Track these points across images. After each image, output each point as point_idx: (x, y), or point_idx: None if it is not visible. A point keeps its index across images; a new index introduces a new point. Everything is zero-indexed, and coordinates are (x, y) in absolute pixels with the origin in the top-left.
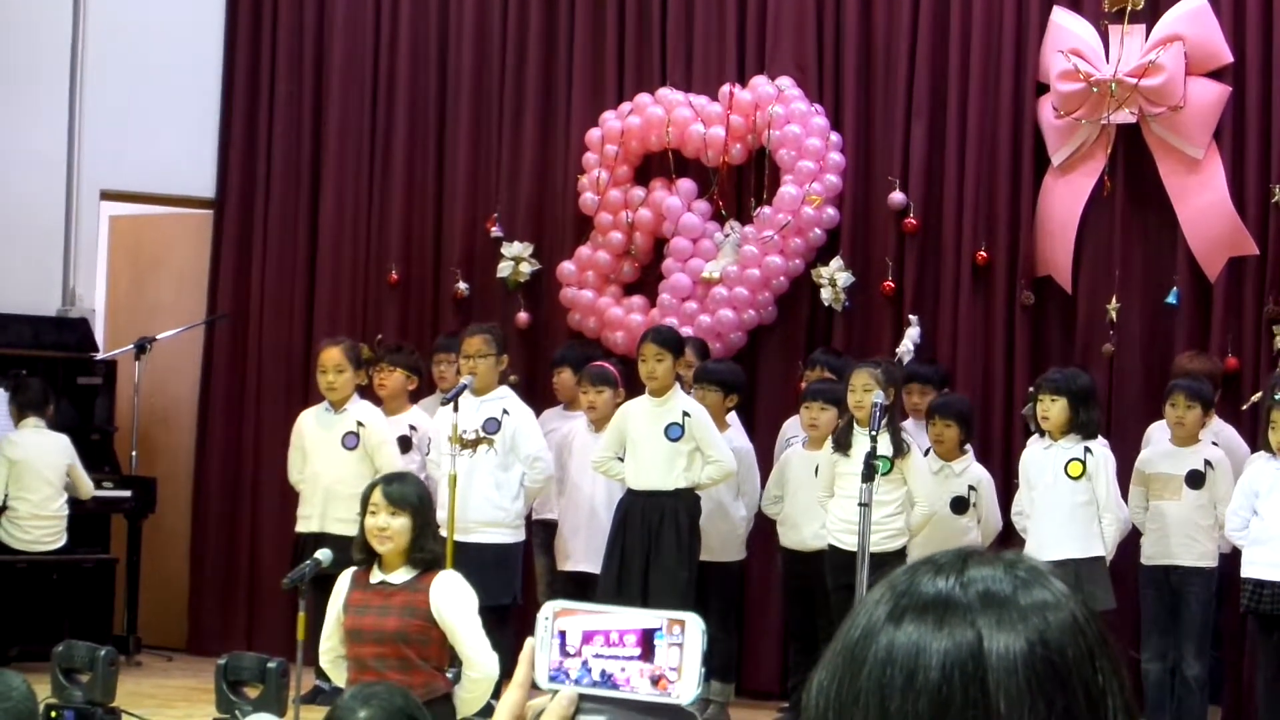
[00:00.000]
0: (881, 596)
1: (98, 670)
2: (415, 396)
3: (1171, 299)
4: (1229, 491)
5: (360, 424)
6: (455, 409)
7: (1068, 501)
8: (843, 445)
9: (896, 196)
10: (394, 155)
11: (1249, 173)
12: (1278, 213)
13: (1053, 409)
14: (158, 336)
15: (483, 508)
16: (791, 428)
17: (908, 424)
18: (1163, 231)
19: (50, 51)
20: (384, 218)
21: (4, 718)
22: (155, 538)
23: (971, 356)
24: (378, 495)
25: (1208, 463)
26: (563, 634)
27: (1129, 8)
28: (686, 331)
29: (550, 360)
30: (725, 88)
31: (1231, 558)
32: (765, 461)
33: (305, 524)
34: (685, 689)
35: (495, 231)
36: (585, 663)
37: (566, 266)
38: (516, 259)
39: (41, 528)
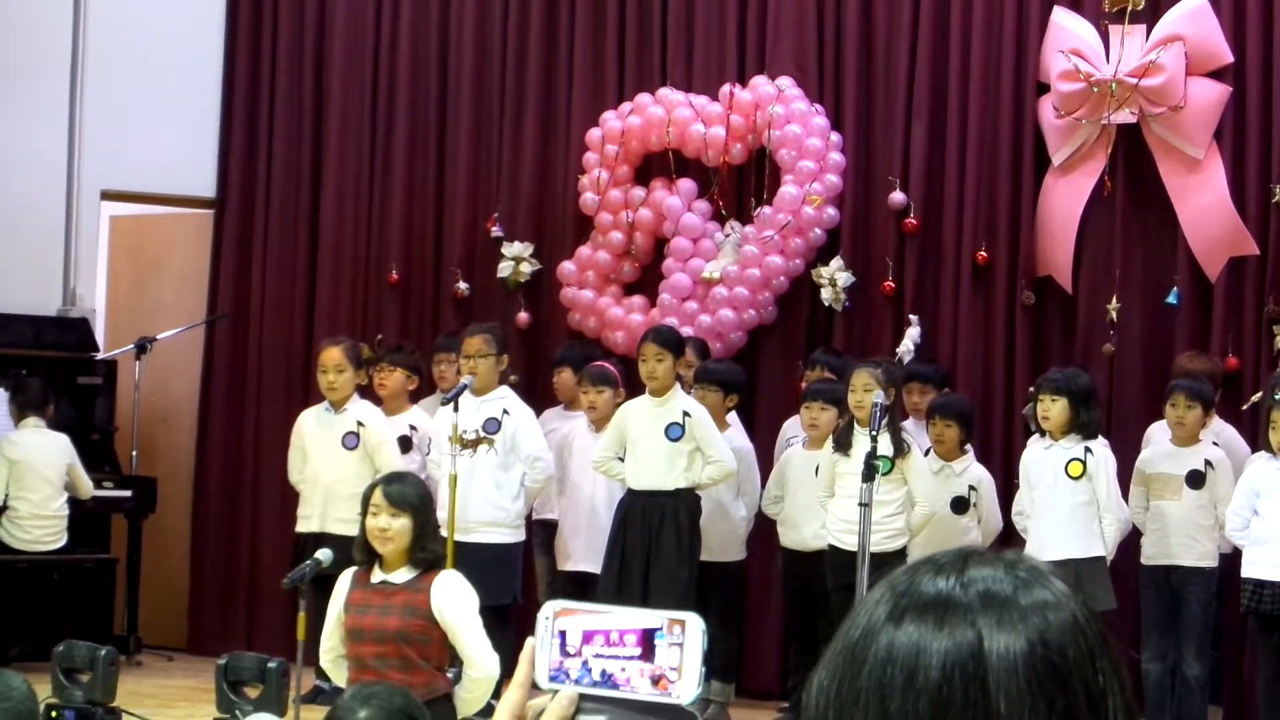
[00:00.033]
0: (882, 596)
1: (98, 670)
2: (415, 396)
3: (1172, 299)
4: (1229, 491)
5: (360, 424)
6: (455, 409)
7: (1068, 501)
8: (843, 445)
9: (897, 196)
10: (394, 155)
11: (1249, 173)
12: (1278, 213)
13: (1053, 409)
14: (158, 336)
15: (483, 508)
16: (792, 428)
17: (908, 424)
18: (1163, 231)
19: (50, 51)
20: (384, 218)
21: (4, 718)
22: (155, 538)
23: (972, 356)
24: (378, 496)
25: (1208, 463)
26: (563, 634)
27: (1129, 8)
28: (687, 331)
29: (550, 360)
30: (725, 88)
31: (1232, 558)
32: (765, 461)
33: (305, 524)
34: (685, 689)
35: (495, 231)
36: (585, 662)
37: (567, 266)
38: (517, 259)
39: (42, 527)
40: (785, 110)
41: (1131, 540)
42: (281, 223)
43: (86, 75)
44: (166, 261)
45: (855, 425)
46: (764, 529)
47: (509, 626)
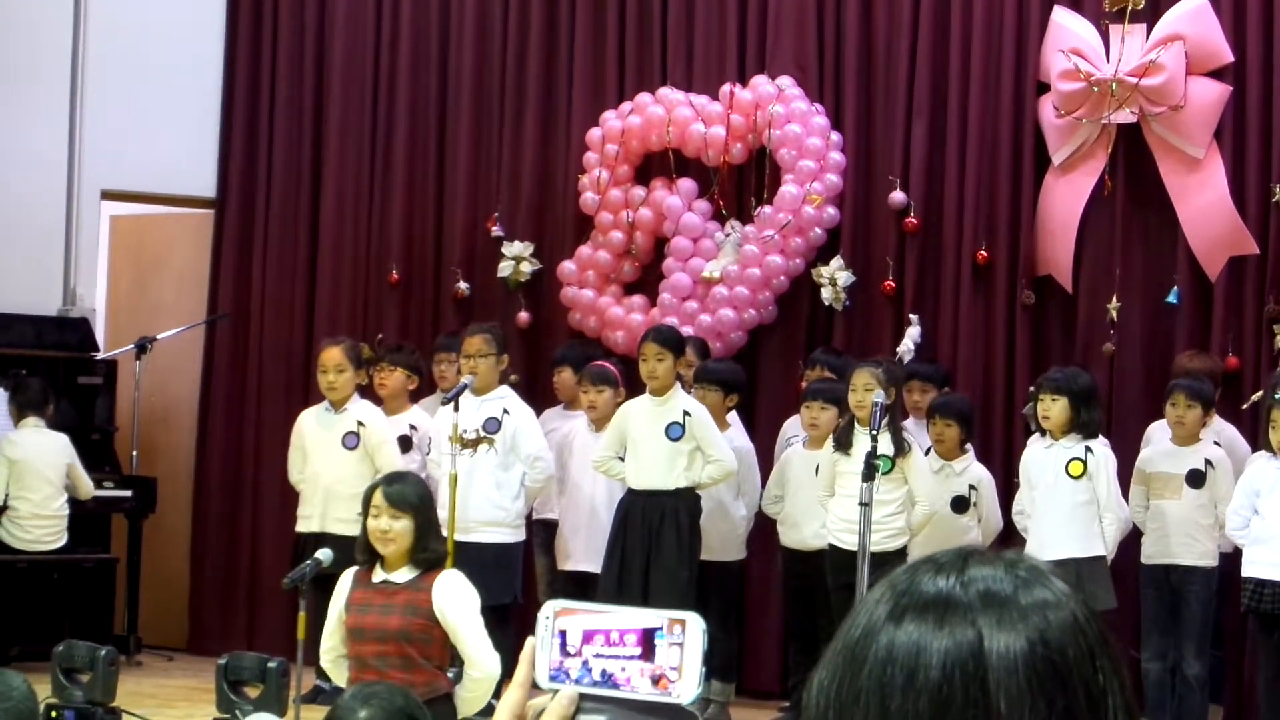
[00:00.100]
0: (882, 596)
1: (98, 670)
2: (416, 396)
3: (1172, 298)
4: (1229, 491)
5: (360, 424)
6: (456, 409)
7: (1068, 501)
8: (844, 444)
9: (897, 196)
10: (395, 155)
11: (1249, 172)
12: (1278, 212)
13: (1054, 408)
14: (158, 336)
15: (483, 507)
16: (792, 427)
17: (908, 423)
18: (1163, 231)
19: (50, 51)
20: (385, 217)
21: (4, 718)
22: (156, 537)
23: (972, 356)
24: (379, 497)
25: (1208, 462)
26: (563, 633)
27: (1129, 7)
28: (687, 331)
29: (551, 360)
30: (726, 87)
31: (1232, 557)
32: (765, 461)
33: (305, 524)
34: (686, 688)
35: (496, 231)
36: (586, 662)
37: (567, 266)
38: (517, 258)
39: (42, 527)
40: (785, 110)
41: (1132, 539)
42: (282, 223)
43: (86, 75)
44: (167, 261)
45: (856, 424)
46: (764, 528)
47: (509, 626)
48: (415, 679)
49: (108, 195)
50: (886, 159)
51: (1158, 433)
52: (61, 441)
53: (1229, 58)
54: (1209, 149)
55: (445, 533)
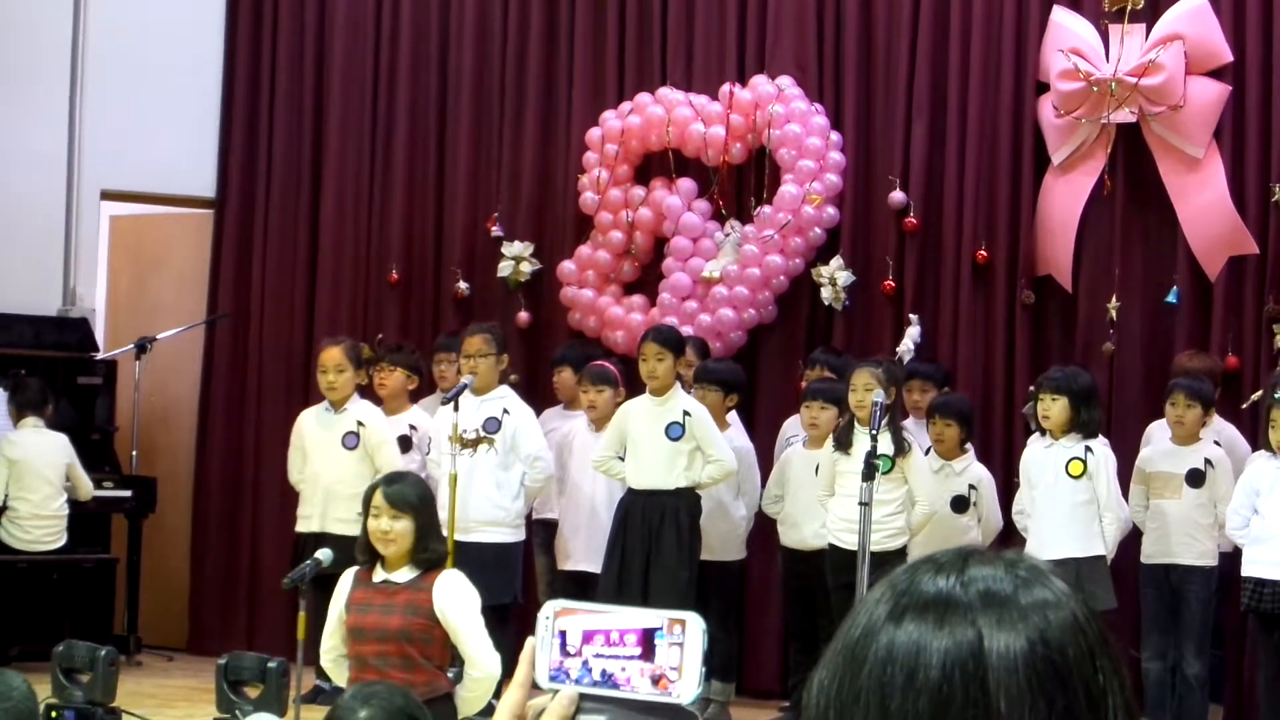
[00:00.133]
0: (882, 595)
1: (98, 670)
2: (416, 396)
3: (1172, 298)
4: (1229, 490)
5: (360, 424)
6: (455, 408)
7: (1068, 501)
8: (844, 444)
9: (897, 195)
10: (394, 155)
11: (1249, 172)
12: (1278, 212)
13: (1054, 408)
14: (158, 336)
15: (483, 507)
16: (792, 427)
17: (908, 423)
18: (1163, 230)
19: (50, 51)
20: (384, 217)
21: (4, 718)
22: (155, 537)
23: (972, 356)
24: (379, 498)
25: (1208, 461)
26: (563, 633)
27: (1129, 7)
28: (687, 331)
29: (551, 360)
30: (725, 87)
31: (1233, 556)
32: (765, 461)
33: (305, 524)
34: (686, 688)
35: (496, 231)
36: (586, 662)
37: (567, 266)
38: (517, 258)
39: (42, 527)
40: (785, 109)
41: (1131, 539)
42: (281, 222)
43: (86, 75)
44: (166, 261)
45: (856, 424)
46: (764, 528)
47: (509, 626)
48: (416, 679)
49: (107, 195)
50: (886, 159)
51: (1157, 432)
52: (61, 442)
53: (1228, 57)
54: (1208, 149)
55: (445, 533)
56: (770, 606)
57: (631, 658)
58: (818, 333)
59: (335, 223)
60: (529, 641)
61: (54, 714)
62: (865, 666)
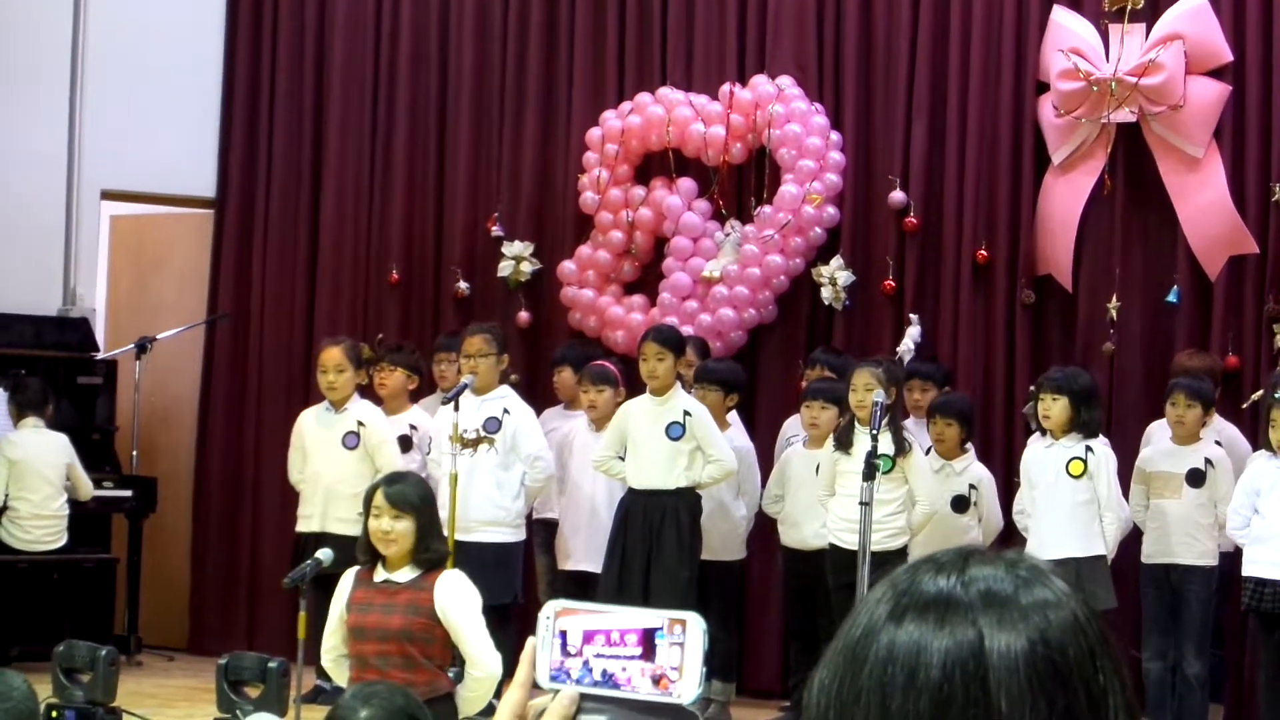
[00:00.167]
0: (883, 595)
1: (98, 670)
2: (416, 396)
3: (1172, 298)
4: (1229, 490)
5: (361, 423)
6: (456, 408)
7: (1069, 500)
8: (844, 444)
9: (897, 195)
10: (395, 155)
11: (1249, 171)
12: (1278, 211)
13: (1054, 408)
14: (158, 336)
15: (483, 507)
16: (792, 427)
17: (909, 422)
18: (1163, 230)
19: (50, 51)
20: (385, 217)
21: (5, 718)
22: (156, 537)
23: (972, 355)
24: (380, 498)
25: (1208, 461)
26: (564, 633)
27: (1129, 6)
28: (687, 330)
29: (551, 359)
30: (725, 87)
31: (1233, 556)
32: (766, 460)
33: (306, 523)
34: (687, 688)
35: (496, 231)
36: (586, 662)
37: (567, 266)
38: (517, 258)
39: (42, 527)
40: (785, 109)
41: (1132, 539)
42: (282, 222)
43: (86, 75)
44: (167, 261)
45: (856, 424)
46: (765, 528)
47: (510, 626)
48: (417, 678)
49: (108, 195)
50: (886, 158)
51: (1158, 432)
52: (61, 441)
53: (1228, 57)
54: (1208, 148)
55: (445, 532)
56: (771, 606)
57: (632, 658)
58: (818, 332)
59: (335, 222)
60: (530, 641)
61: (55, 714)
62: (866, 666)
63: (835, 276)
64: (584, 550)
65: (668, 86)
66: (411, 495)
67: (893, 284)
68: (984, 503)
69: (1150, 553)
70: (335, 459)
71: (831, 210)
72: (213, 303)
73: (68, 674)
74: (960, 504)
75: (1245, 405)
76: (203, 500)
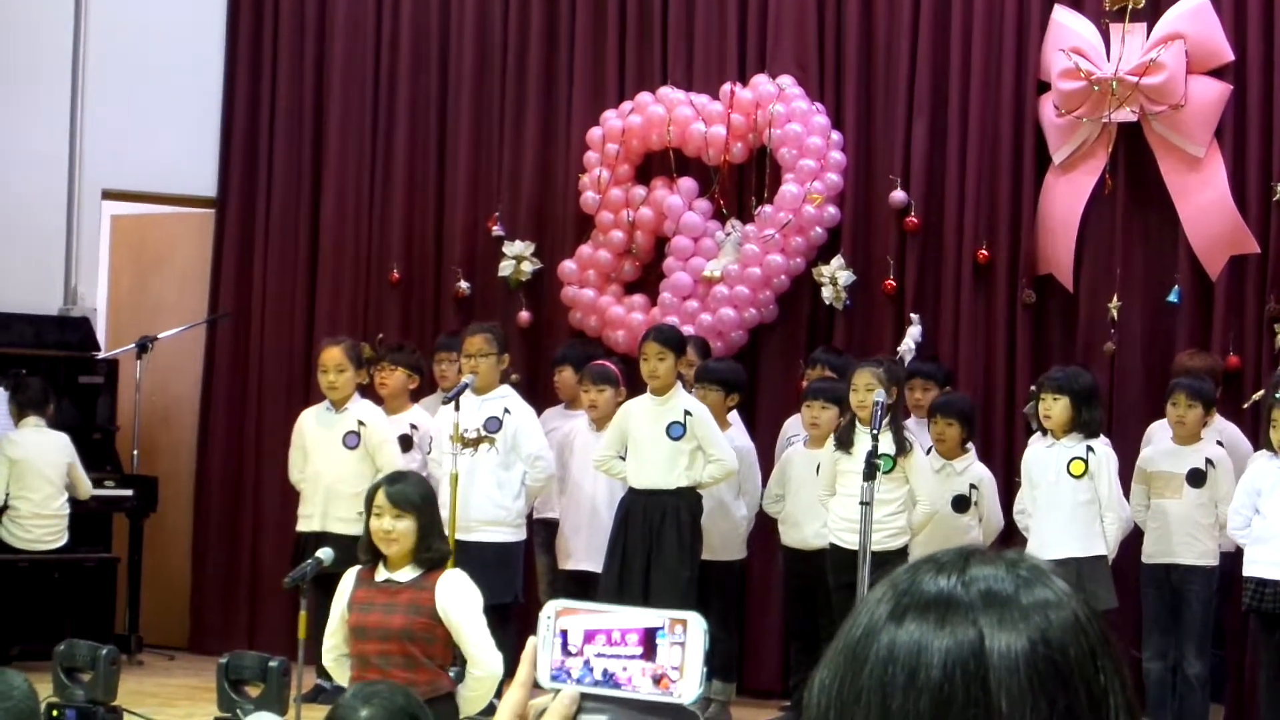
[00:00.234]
0: (883, 595)
1: (99, 669)
2: (416, 395)
3: (1173, 297)
4: (1230, 490)
5: (361, 423)
6: (456, 408)
7: (1069, 500)
8: (845, 443)
9: (897, 195)
10: (395, 154)
11: (1250, 171)
12: (1279, 211)
13: (1055, 408)
14: (159, 336)
15: (484, 506)
16: (793, 426)
17: (909, 422)
18: (1164, 230)
19: (51, 51)
20: (385, 217)
21: (5, 717)
22: (157, 537)
23: (973, 355)
24: (381, 498)
25: (1209, 461)
26: (564, 633)
27: (1130, 6)
28: (688, 330)
29: (551, 359)
30: (726, 86)
31: (1234, 556)
32: (766, 460)
33: (306, 523)
34: (687, 688)
35: (496, 230)
36: (587, 662)
37: (568, 265)
38: (518, 258)
39: (43, 527)
40: (786, 109)
41: (1132, 539)
42: (282, 222)
43: (87, 75)
44: (167, 261)
45: (857, 424)
46: (765, 528)
47: (510, 625)
48: (418, 678)
49: (108, 195)
50: (887, 158)
51: (1158, 432)
52: (62, 441)
53: (1229, 56)
54: (1209, 148)
55: (446, 532)
56: (771, 606)
57: (633, 657)
58: (818, 332)
59: (336, 222)
60: (530, 641)
61: (55, 713)
62: (866, 666)
63: (836, 276)
64: (584, 550)
65: (668, 86)
66: (413, 495)
67: (893, 284)
68: (985, 503)
69: (1151, 553)
70: (336, 458)
71: (832, 210)
72: (213, 302)
73: (68, 673)
74: (961, 504)
75: (1246, 405)
76: (203, 500)
